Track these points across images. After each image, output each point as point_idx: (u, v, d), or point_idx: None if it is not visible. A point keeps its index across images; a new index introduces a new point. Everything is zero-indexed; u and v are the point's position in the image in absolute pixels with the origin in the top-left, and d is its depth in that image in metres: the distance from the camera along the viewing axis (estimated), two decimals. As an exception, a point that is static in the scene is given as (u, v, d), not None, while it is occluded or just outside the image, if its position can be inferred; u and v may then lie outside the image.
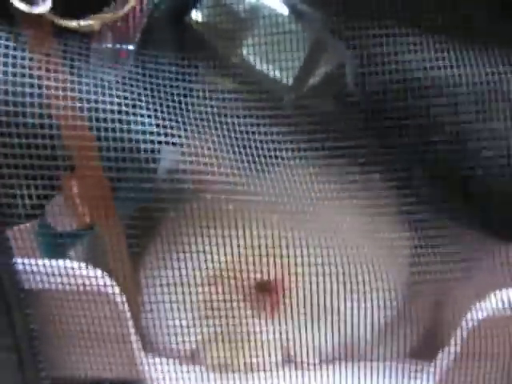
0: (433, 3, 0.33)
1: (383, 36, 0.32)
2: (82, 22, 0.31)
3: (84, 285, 0.31)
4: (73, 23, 0.31)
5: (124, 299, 0.32)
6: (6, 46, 0.30)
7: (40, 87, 0.30)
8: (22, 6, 0.30)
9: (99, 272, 0.31)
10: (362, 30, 0.32)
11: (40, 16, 0.31)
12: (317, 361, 0.35)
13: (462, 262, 0.34)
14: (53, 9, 0.30)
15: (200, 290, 0.33)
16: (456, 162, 0.32)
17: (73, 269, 0.31)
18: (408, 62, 0.32)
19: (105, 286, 0.31)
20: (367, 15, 0.32)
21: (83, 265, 0.31)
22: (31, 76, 0.30)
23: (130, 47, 0.33)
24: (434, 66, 0.32)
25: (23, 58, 0.30)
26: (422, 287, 0.34)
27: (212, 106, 0.33)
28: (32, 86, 0.30)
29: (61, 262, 0.31)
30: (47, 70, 0.31)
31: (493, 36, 0.33)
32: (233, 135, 0.33)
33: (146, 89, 0.32)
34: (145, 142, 0.31)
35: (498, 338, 0.33)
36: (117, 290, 0.32)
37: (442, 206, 0.34)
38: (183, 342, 0.34)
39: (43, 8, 0.30)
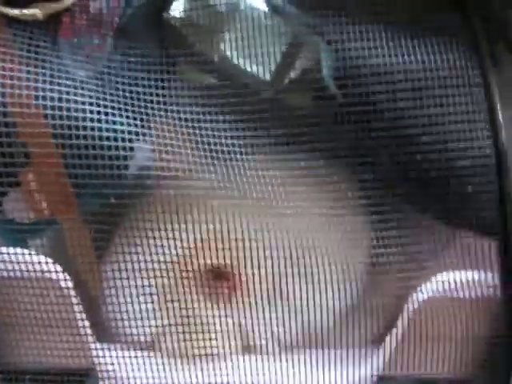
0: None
1: (336, 25, 0.33)
2: (26, 11, 0.31)
3: (28, 271, 0.31)
4: (15, 11, 0.31)
5: (70, 285, 0.32)
6: None
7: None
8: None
9: (43, 257, 0.32)
10: (324, 22, 0.33)
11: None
12: (276, 348, 0.36)
13: (413, 245, 0.34)
14: None
15: (158, 279, 0.33)
16: (396, 147, 0.33)
17: (15, 254, 0.31)
18: (348, 50, 0.33)
19: (49, 271, 0.31)
20: (331, 6, 0.33)
21: (26, 251, 0.31)
22: None
23: (105, 42, 0.33)
24: (372, 55, 0.33)
25: None
26: (382, 273, 0.35)
27: (176, 104, 0.33)
28: None
29: (3, 248, 0.31)
30: (2, 64, 0.31)
31: (431, 23, 0.34)
32: (204, 125, 0.33)
33: (116, 85, 0.32)
34: (115, 139, 0.31)
35: (441, 319, 0.34)
36: (61, 275, 0.32)
37: (385, 191, 0.34)
38: (142, 329, 0.34)
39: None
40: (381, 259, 0.34)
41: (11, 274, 0.31)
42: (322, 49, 0.33)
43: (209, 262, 0.34)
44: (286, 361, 0.35)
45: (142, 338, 0.35)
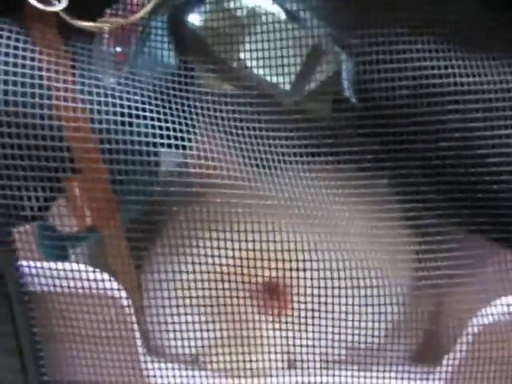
0: (437, 9, 0.33)
1: (392, 43, 0.32)
2: (95, 24, 0.30)
3: (90, 288, 0.31)
4: (86, 24, 0.30)
5: (130, 303, 0.32)
6: (15, 47, 0.30)
7: (46, 88, 0.30)
8: (38, 4, 0.29)
9: (105, 275, 0.31)
10: (366, 38, 0.32)
11: (48, 15, 0.31)
12: (320, 365, 0.35)
13: (465, 267, 0.34)
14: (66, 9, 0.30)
15: (205, 292, 0.33)
16: (463, 167, 0.33)
17: (79, 271, 0.30)
18: (418, 68, 0.32)
19: (111, 289, 0.31)
20: (367, 23, 0.33)
21: (89, 268, 0.31)
22: (38, 77, 0.30)
23: (128, 50, 0.33)
24: (442, 74, 0.32)
25: (31, 59, 0.30)
26: (425, 292, 0.34)
27: (214, 109, 0.33)
28: (38, 86, 0.30)
29: (67, 264, 0.31)
30: (54, 71, 0.30)
31: (499, 43, 0.33)
32: (236, 135, 0.33)
33: (146, 92, 0.32)
34: (147, 144, 0.31)
35: (503, 343, 0.34)
36: (123, 293, 0.31)
37: (447, 211, 0.34)
38: (187, 345, 0.34)
39: (59, 7, 0.29)
40: (429, 281, 0.34)
41: (72, 290, 0.31)
42: (342, 60, 0.33)
43: (260, 277, 0.34)
44: (333, 382, 0.34)
45: (187, 353, 0.34)
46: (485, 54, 0.32)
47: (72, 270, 0.31)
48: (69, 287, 0.31)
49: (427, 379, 0.34)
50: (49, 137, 0.30)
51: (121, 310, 0.31)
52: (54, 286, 0.31)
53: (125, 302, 0.31)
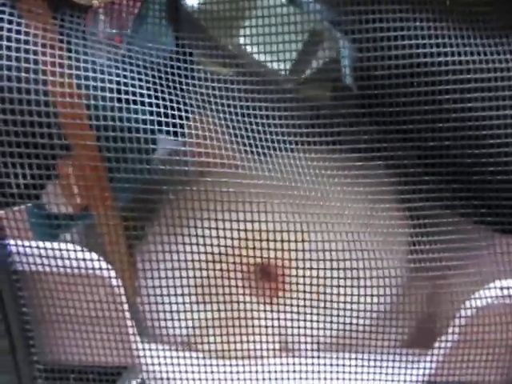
0: None
1: (389, 21, 0.32)
2: (83, -1, 0.30)
3: (79, 267, 0.30)
4: (77, -3, 0.29)
5: (120, 283, 0.31)
6: (0, 19, 0.29)
7: (36, 63, 0.29)
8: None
9: (95, 255, 0.30)
10: (363, 15, 0.32)
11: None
12: (314, 349, 0.35)
13: (459, 250, 0.33)
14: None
15: (198, 274, 0.33)
16: (460, 149, 0.32)
17: (68, 251, 0.30)
18: (415, 47, 0.32)
19: (100, 269, 0.30)
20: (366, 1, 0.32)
21: (78, 247, 0.30)
22: (24, 50, 0.29)
23: (124, 32, 0.32)
24: (441, 52, 0.32)
25: (18, 32, 0.29)
26: (419, 275, 0.34)
27: (210, 91, 0.32)
28: (24, 60, 0.29)
29: (55, 243, 0.30)
30: (43, 46, 0.29)
31: (500, 22, 0.32)
32: (234, 118, 0.32)
33: (142, 73, 0.31)
34: (144, 122, 0.30)
35: (495, 326, 0.33)
36: (113, 273, 0.31)
37: (442, 194, 0.33)
38: (180, 327, 0.33)
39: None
40: (423, 264, 0.33)
41: (61, 270, 0.30)
42: (341, 46, 0.32)
43: (253, 260, 0.33)
44: (324, 364, 0.34)
45: (179, 336, 0.34)
46: (484, 32, 0.32)
47: (61, 250, 0.30)
48: (57, 266, 0.30)
49: (419, 361, 0.34)
50: (35, 112, 0.29)
51: (110, 289, 0.31)
52: (43, 265, 0.31)
53: (114, 282, 0.31)
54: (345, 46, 0.32)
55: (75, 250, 0.30)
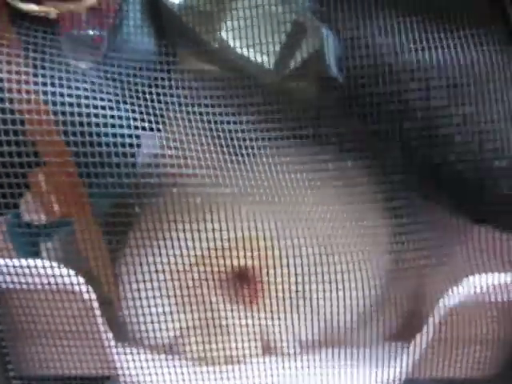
0: None
1: (358, 18, 0.31)
2: (41, 8, 0.29)
3: (53, 284, 0.30)
4: (30, 7, 0.29)
5: (93, 297, 0.31)
6: None
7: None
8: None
9: (68, 270, 0.30)
10: (339, 13, 0.31)
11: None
12: (297, 349, 0.35)
13: (435, 248, 0.33)
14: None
15: (177, 279, 0.32)
16: (428, 147, 0.32)
17: (43, 268, 0.30)
18: (379, 45, 0.31)
19: (73, 284, 0.30)
20: None
21: (52, 263, 0.30)
22: None
23: (104, 33, 0.32)
24: (404, 50, 0.31)
25: None
26: (400, 273, 0.34)
27: (184, 96, 0.32)
28: None
29: (30, 261, 0.30)
30: (7, 63, 0.29)
31: (465, 17, 0.32)
32: (202, 126, 0.32)
33: (117, 80, 0.31)
34: (121, 136, 0.30)
35: (470, 322, 0.33)
36: (85, 287, 0.31)
37: (416, 192, 0.33)
38: (161, 332, 0.33)
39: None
40: (401, 258, 0.33)
41: (35, 286, 0.30)
42: (325, 36, 0.32)
43: (230, 263, 0.33)
44: (308, 361, 0.34)
45: (161, 341, 0.34)
46: (446, 28, 0.31)
47: (35, 267, 0.30)
48: (32, 283, 0.30)
49: (399, 357, 0.34)
50: (5, 131, 0.29)
51: (83, 304, 0.31)
52: (18, 282, 0.31)
53: (86, 296, 0.31)
54: (328, 35, 0.32)
55: (49, 267, 0.30)
